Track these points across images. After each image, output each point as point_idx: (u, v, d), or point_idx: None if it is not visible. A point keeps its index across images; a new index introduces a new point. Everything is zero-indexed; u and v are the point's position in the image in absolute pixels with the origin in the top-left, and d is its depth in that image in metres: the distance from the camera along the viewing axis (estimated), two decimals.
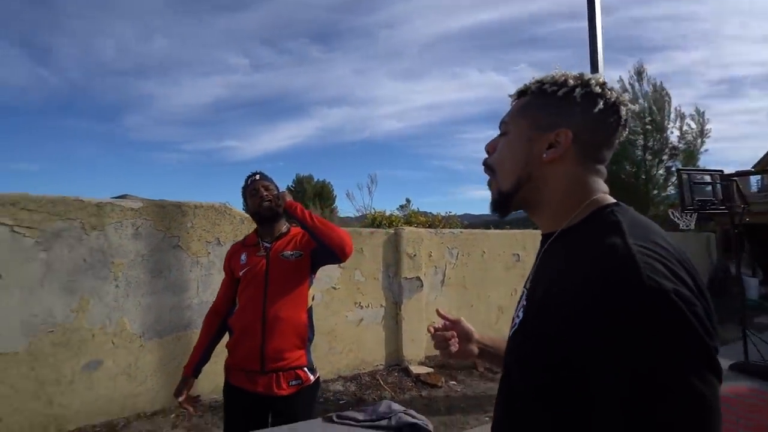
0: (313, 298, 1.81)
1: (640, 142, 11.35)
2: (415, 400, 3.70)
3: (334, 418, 1.55)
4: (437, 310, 1.02)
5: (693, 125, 11.40)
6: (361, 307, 4.35)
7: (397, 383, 4.07)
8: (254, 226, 1.88)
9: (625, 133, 0.67)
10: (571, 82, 0.65)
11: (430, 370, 4.29)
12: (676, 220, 6.82)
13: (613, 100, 0.64)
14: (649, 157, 11.39)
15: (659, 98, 11.52)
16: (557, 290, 0.56)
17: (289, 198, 1.73)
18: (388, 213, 8.98)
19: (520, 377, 0.62)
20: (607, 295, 0.48)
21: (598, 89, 0.64)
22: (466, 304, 5.09)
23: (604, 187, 0.66)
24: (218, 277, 1.87)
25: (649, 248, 0.51)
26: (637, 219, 0.59)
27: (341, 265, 4.13)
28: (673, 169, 10.46)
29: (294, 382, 1.66)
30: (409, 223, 7.63)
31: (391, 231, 4.75)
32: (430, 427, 1.51)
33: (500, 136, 0.73)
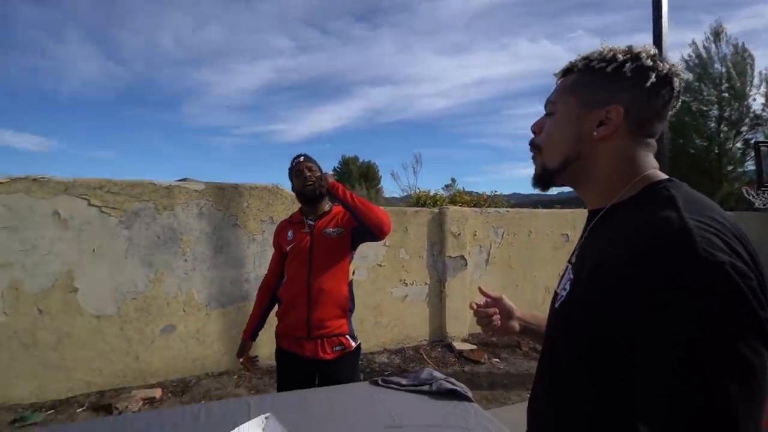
0: (353, 272, 1.93)
1: (714, 112, 10.30)
2: (458, 374, 3.76)
3: (380, 382, 1.65)
4: (479, 288, 1.03)
5: None
6: (406, 285, 4.46)
7: (441, 358, 4.17)
8: None
9: (677, 104, 0.65)
10: (620, 57, 0.63)
11: (473, 347, 4.35)
12: (751, 198, 6.24)
13: (665, 71, 0.61)
14: (725, 129, 10.31)
15: (740, 61, 10.30)
16: (607, 262, 0.55)
17: (331, 179, 1.82)
18: (432, 192, 8.98)
19: (565, 349, 0.62)
20: (661, 267, 0.48)
21: (649, 62, 0.61)
22: (511, 283, 5.06)
23: (655, 163, 0.65)
24: (272, 253, 2.06)
25: (705, 222, 0.50)
26: (692, 194, 0.58)
27: (386, 243, 4.26)
28: (752, 141, 9.46)
29: (337, 348, 1.79)
30: (453, 202, 7.60)
31: (436, 210, 4.78)
32: (470, 394, 1.55)
33: (546, 115, 0.72)
